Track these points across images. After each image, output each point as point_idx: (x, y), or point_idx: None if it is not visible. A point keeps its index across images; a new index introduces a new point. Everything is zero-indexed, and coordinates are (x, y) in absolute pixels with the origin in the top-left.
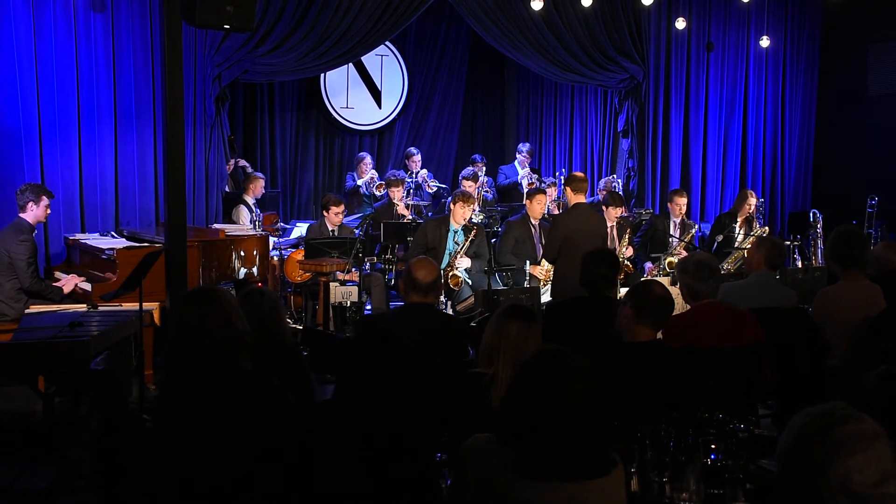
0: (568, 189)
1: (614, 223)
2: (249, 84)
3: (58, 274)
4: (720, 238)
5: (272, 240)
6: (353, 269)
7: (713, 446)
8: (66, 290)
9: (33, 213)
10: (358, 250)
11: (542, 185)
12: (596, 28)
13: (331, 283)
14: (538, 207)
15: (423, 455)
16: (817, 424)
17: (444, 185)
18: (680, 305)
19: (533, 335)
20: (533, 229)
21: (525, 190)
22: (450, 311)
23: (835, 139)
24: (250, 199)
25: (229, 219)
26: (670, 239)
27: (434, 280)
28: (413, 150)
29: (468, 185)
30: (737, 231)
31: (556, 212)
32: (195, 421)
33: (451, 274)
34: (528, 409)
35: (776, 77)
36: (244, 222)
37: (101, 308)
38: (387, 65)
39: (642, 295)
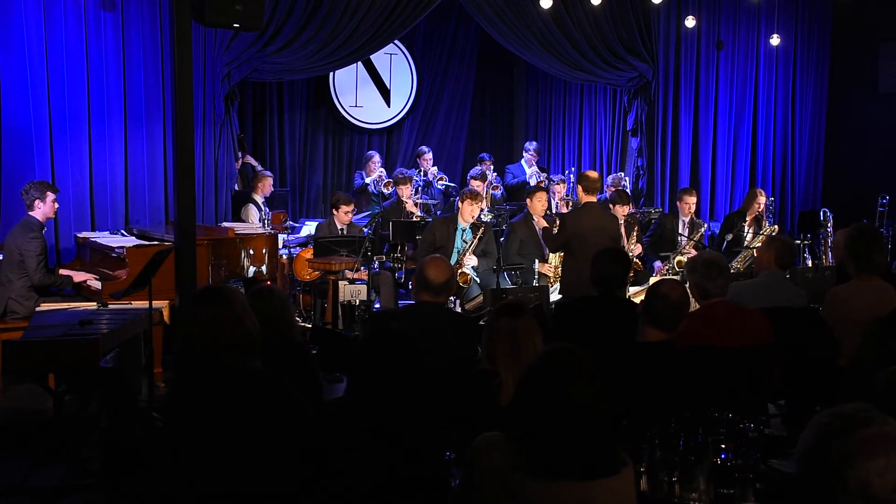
0: (580, 188)
1: (622, 221)
2: (258, 83)
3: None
4: (730, 237)
5: (281, 238)
6: (362, 268)
7: (723, 446)
8: (76, 279)
9: (41, 210)
10: (367, 249)
11: (552, 182)
12: (605, 26)
13: (340, 282)
14: (539, 205)
15: (433, 453)
16: (838, 425)
17: (452, 185)
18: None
19: (524, 328)
20: (537, 227)
21: None
22: (458, 310)
23: (845, 137)
24: (259, 198)
25: (238, 217)
26: (679, 238)
27: (446, 280)
28: (424, 148)
29: (477, 185)
30: (746, 230)
31: (565, 210)
32: (205, 419)
33: (459, 272)
34: (536, 407)
35: (786, 75)
36: (253, 221)
37: (110, 306)
38: (396, 63)
39: (649, 293)
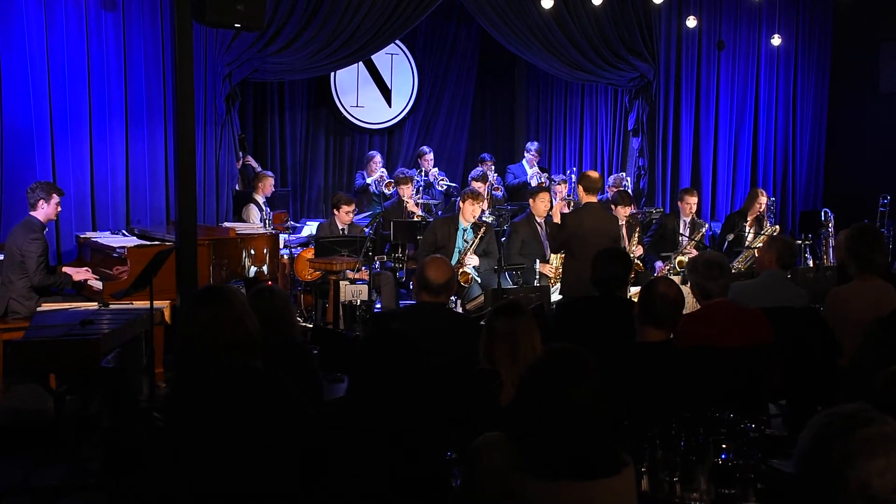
0: (580, 188)
1: (624, 222)
2: (259, 83)
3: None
4: (731, 237)
5: (282, 238)
6: (363, 268)
7: (724, 446)
8: (76, 277)
9: (44, 211)
10: (368, 249)
11: (553, 183)
12: (606, 26)
13: (341, 282)
14: (542, 206)
15: (433, 453)
16: (838, 425)
17: (454, 185)
18: (691, 304)
19: (522, 328)
20: (539, 227)
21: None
22: (459, 310)
23: (846, 137)
24: (260, 198)
25: (239, 217)
26: (680, 238)
27: (446, 281)
28: (425, 148)
29: (478, 186)
30: (747, 230)
31: (566, 210)
32: (205, 419)
33: (460, 272)
34: (536, 407)
35: (787, 75)
36: (254, 221)
37: (111, 306)
38: (397, 63)
39: (645, 293)
